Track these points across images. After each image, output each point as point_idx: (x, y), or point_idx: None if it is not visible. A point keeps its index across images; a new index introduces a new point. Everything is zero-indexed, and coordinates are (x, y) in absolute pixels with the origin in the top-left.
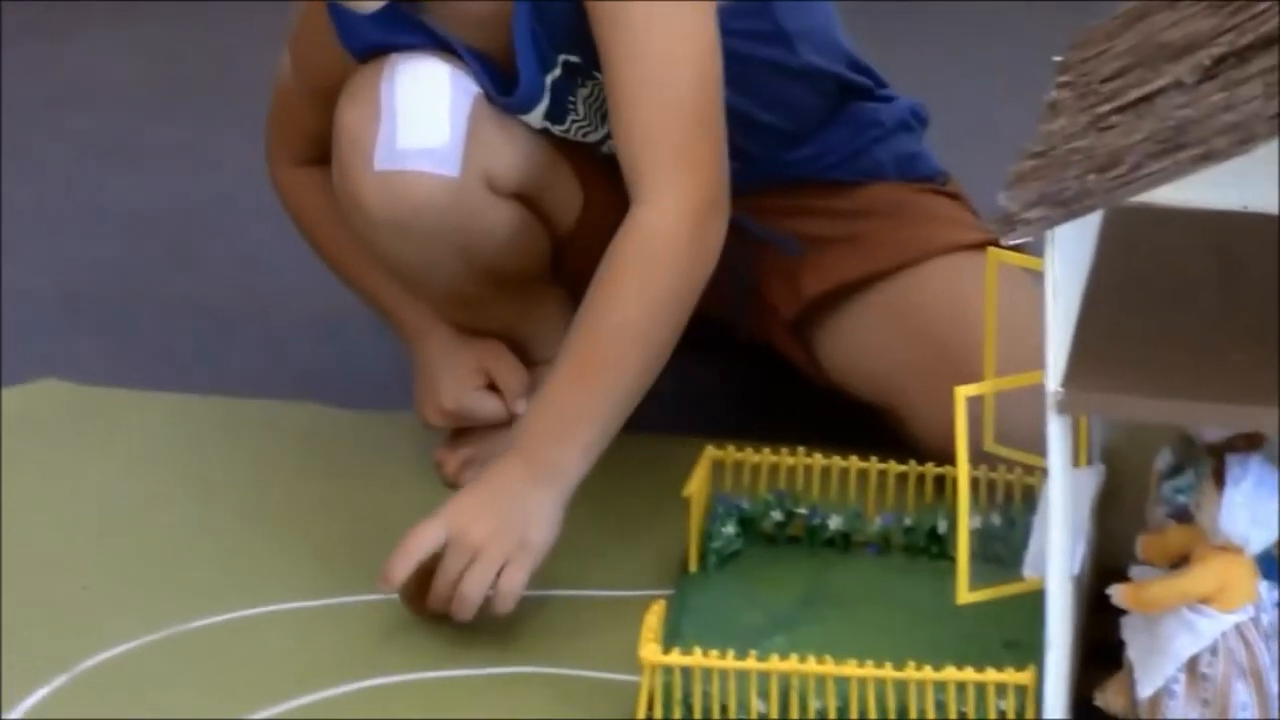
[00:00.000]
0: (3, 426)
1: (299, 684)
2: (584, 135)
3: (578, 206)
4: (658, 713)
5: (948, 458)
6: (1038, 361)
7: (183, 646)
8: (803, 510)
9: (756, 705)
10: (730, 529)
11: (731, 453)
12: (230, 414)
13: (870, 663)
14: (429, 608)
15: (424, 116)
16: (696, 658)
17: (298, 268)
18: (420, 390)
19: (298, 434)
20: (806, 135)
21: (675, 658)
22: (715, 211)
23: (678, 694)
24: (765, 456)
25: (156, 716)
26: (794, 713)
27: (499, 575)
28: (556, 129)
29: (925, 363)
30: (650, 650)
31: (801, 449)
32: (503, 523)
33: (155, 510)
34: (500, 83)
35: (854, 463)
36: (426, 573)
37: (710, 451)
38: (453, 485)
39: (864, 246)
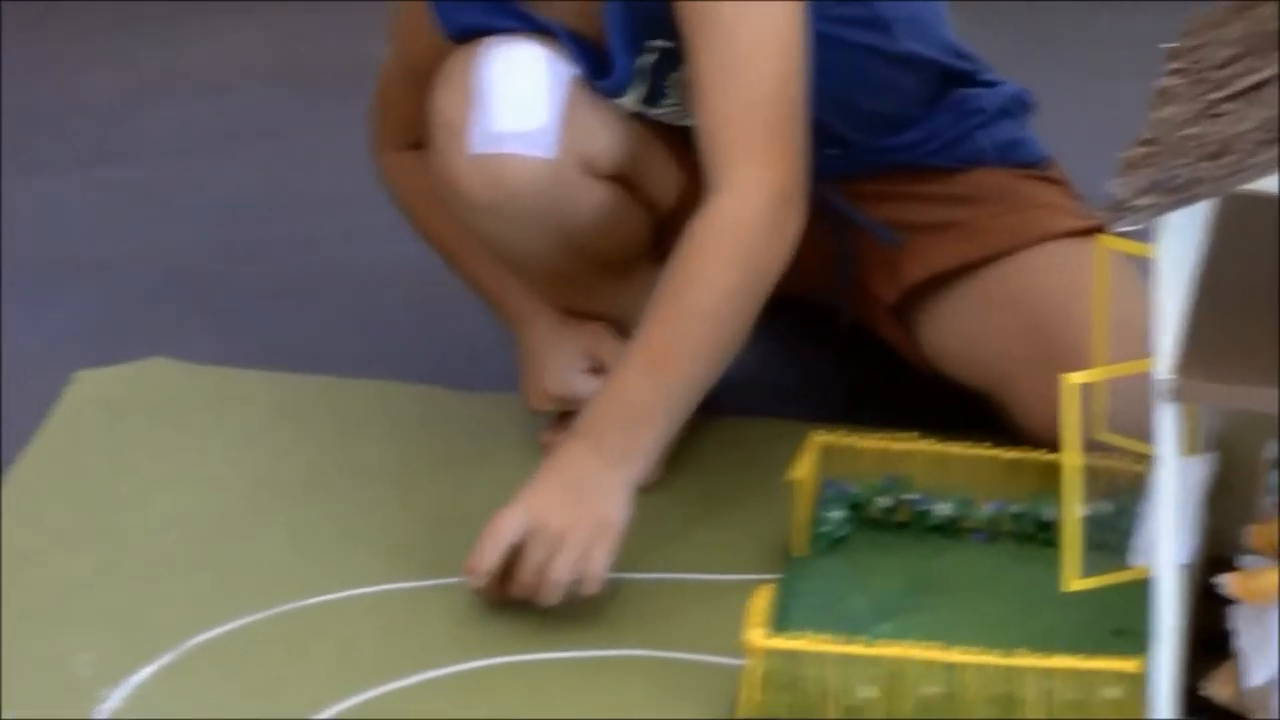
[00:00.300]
0: (112, 405)
1: (403, 664)
2: (679, 119)
3: (677, 187)
4: (764, 697)
5: (1051, 444)
6: (1144, 350)
7: (288, 625)
8: (911, 496)
9: (862, 691)
10: (838, 514)
11: (840, 437)
12: (335, 394)
13: (978, 650)
14: (512, 595)
15: (519, 99)
16: (802, 642)
17: (402, 248)
18: (525, 374)
19: (403, 415)
20: (907, 121)
21: (781, 642)
22: (792, 203)
23: (783, 679)
24: (874, 442)
25: (259, 694)
26: (900, 699)
27: (583, 560)
28: (652, 112)
29: (1028, 352)
30: (756, 635)
31: (911, 434)
32: (581, 507)
33: (261, 490)
34: (595, 67)
35: (963, 449)
36: (504, 561)
37: (818, 436)
38: None
39: (965, 233)
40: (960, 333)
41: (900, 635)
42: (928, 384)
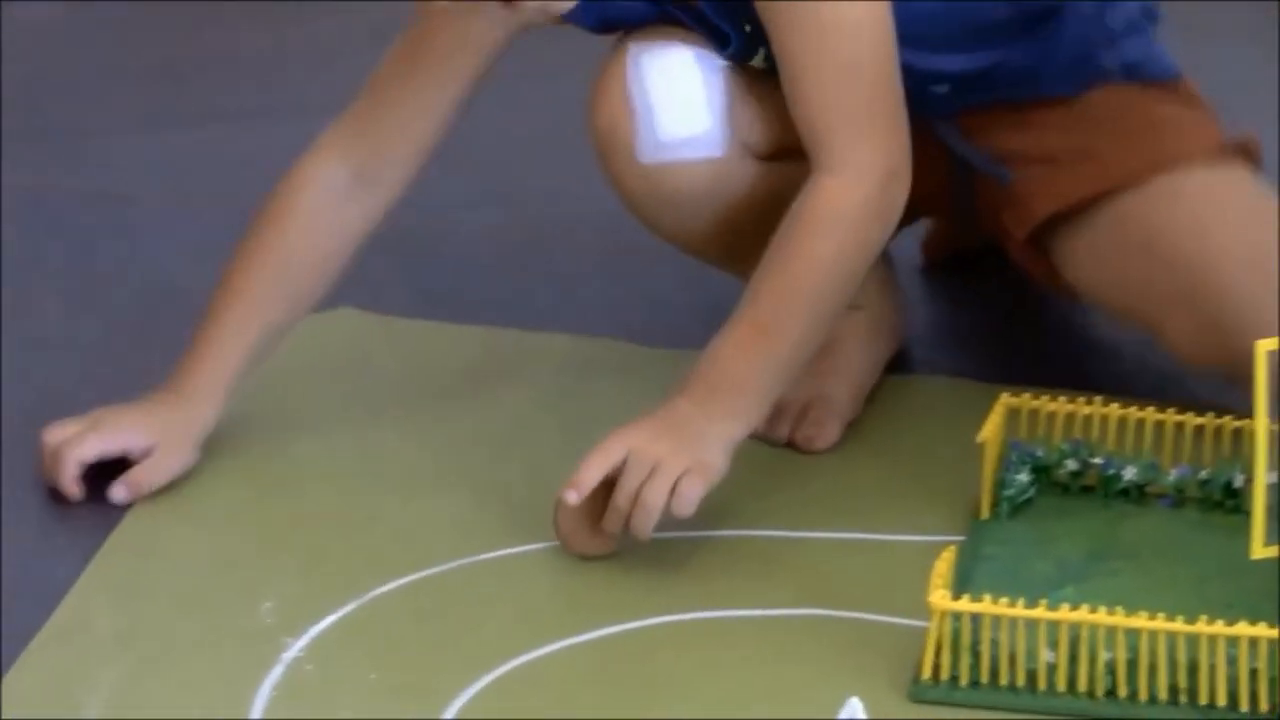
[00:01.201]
0: (298, 355)
1: (583, 619)
2: None
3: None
4: (945, 659)
5: (1203, 370)
6: None
7: (469, 579)
8: (1098, 460)
9: (1045, 655)
10: (1024, 477)
11: (1027, 400)
12: (524, 346)
13: (1161, 616)
14: (604, 528)
15: (682, 105)
16: (986, 605)
17: (597, 202)
18: None
19: (593, 368)
20: (1025, 29)
21: (964, 604)
22: (898, 178)
23: (966, 641)
24: (1061, 405)
25: (438, 646)
26: (1082, 664)
27: (676, 486)
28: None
29: (1171, 289)
30: (939, 596)
31: (1098, 398)
32: (680, 443)
33: (446, 442)
34: (714, 37)
35: (1150, 414)
36: (592, 510)
37: (1006, 398)
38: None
39: (1094, 162)
40: (1099, 267)
41: (1083, 600)
42: (1109, 346)
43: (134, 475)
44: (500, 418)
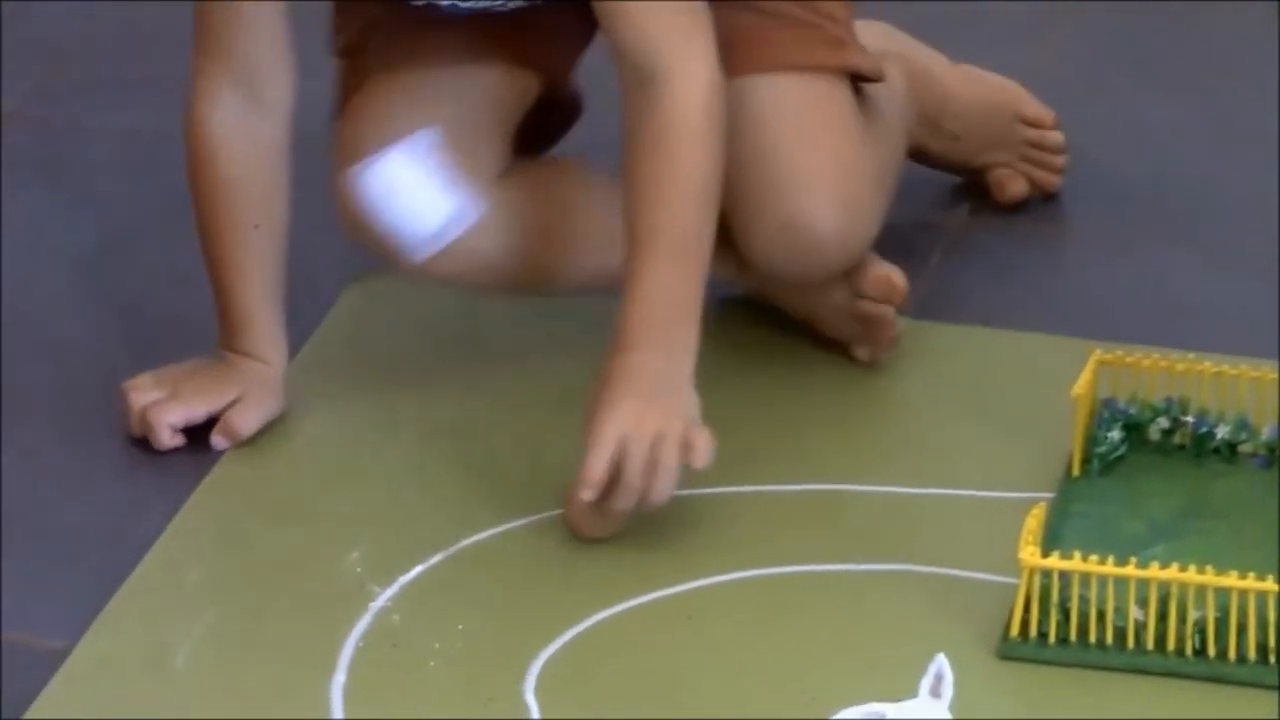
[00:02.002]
0: (391, 308)
1: (668, 573)
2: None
3: (534, 91)
4: (1034, 616)
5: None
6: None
7: (556, 532)
8: (1190, 418)
9: (1134, 612)
10: (1115, 434)
11: (1120, 356)
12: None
13: (1251, 575)
14: (617, 507)
15: (417, 210)
16: (1075, 562)
17: None
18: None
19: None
20: None
21: (1054, 561)
22: (719, 74)
23: (1055, 598)
24: (1155, 361)
25: (524, 598)
26: (1172, 622)
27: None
28: (464, 6)
29: (742, 183)
30: (1029, 553)
31: (1191, 355)
32: (665, 406)
33: (537, 398)
34: None
35: (1244, 371)
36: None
37: (1099, 354)
38: None
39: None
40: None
41: (1173, 559)
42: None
43: (229, 421)
44: (559, 382)
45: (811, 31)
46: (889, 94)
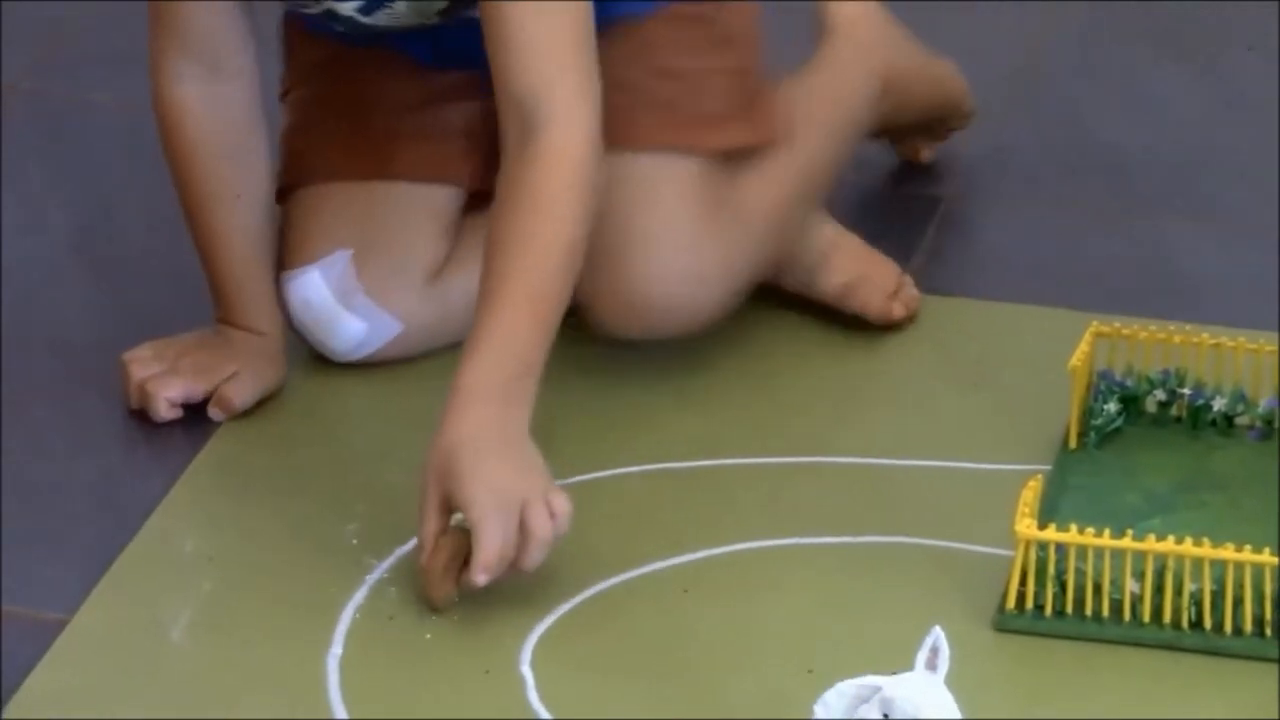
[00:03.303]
0: None
1: (685, 541)
2: (401, 19)
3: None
4: (1031, 589)
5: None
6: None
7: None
8: (1186, 391)
9: (1130, 585)
10: (1112, 407)
11: (1117, 328)
12: None
13: (1248, 548)
14: (477, 576)
15: (333, 328)
16: (1072, 534)
17: None
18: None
19: None
20: None
21: (1050, 534)
22: (600, 118)
23: (1051, 570)
24: (1151, 334)
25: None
26: (1168, 595)
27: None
28: (366, 20)
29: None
30: (1026, 525)
31: (1188, 327)
32: (521, 465)
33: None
34: None
35: (1242, 343)
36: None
37: (1096, 326)
38: None
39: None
40: None
41: (1169, 531)
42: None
43: (224, 394)
44: (555, 354)
45: (677, 114)
46: (786, 155)
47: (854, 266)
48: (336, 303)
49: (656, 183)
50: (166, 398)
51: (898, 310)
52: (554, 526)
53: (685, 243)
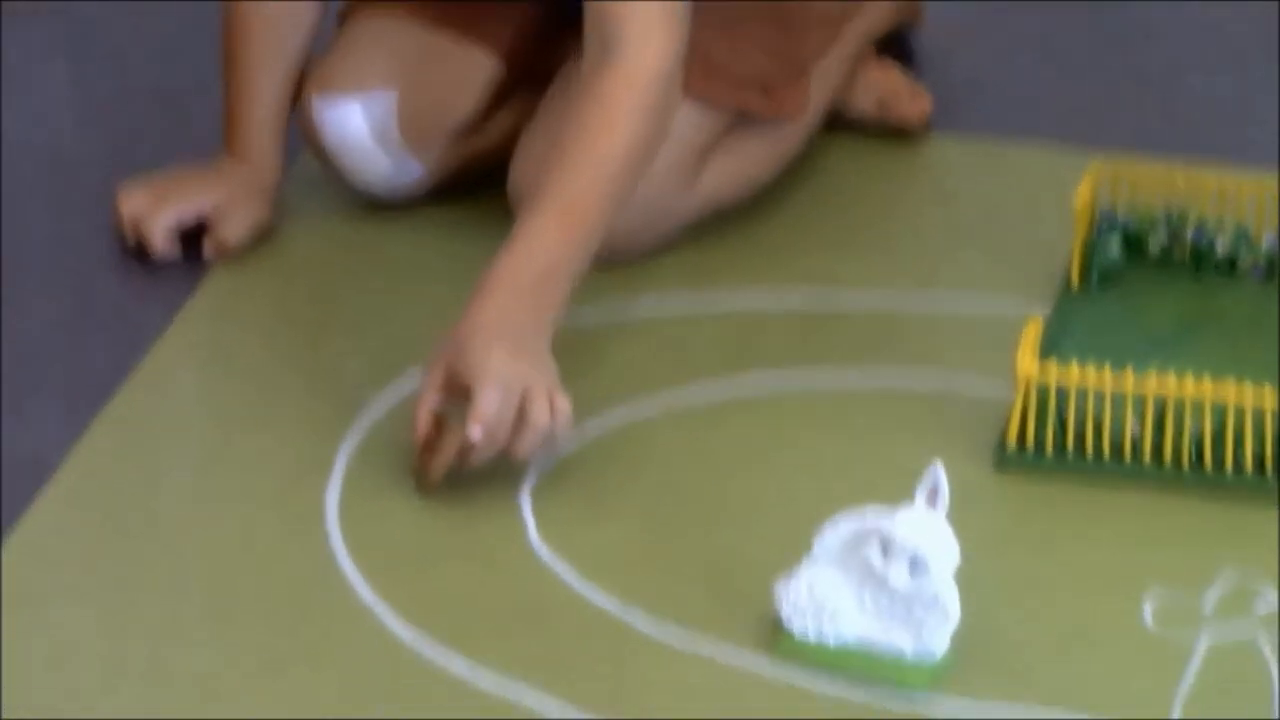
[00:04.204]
0: None
1: (673, 380)
2: None
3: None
4: (1032, 428)
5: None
6: None
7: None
8: (1189, 231)
9: (1131, 425)
10: (1114, 247)
11: (1121, 166)
12: None
13: (1250, 387)
14: (476, 459)
15: (362, 159)
16: (1073, 374)
17: None
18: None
19: None
20: None
21: (1052, 373)
22: (680, 64)
23: (1052, 410)
24: (1154, 173)
25: None
26: (1169, 434)
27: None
28: None
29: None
30: (1027, 365)
31: (1192, 165)
32: (534, 360)
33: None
34: None
35: (1245, 183)
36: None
37: (1098, 164)
38: None
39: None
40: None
41: (1171, 371)
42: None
43: (217, 233)
44: None
45: (709, 64)
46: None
47: (883, 80)
48: (371, 139)
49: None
50: (162, 226)
51: (925, 104)
52: (552, 423)
53: (655, 184)
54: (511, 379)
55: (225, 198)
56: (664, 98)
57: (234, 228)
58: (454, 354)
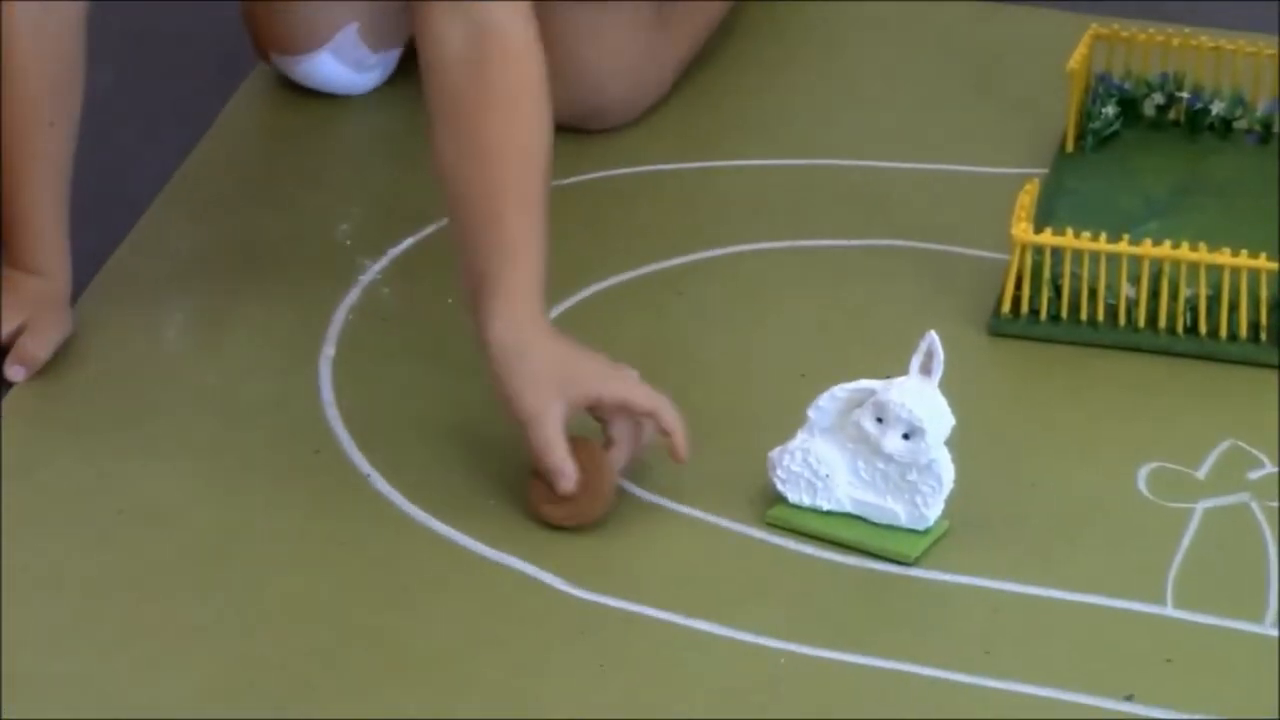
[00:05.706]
0: None
1: (671, 245)
2: None
3: None
4: (1026, 293)
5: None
6: None
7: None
8: (1185, 94)
9: (1126, 290)
10: (1110, 110)
11: (1117, 30)
12: None
13: (1244, 252)
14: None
15: (346, 88)
16: (1068, 238)
17: None
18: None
19: None
20: None
21: (1046, 238)
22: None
23: (1046, 274)
24: (1150, 36)
25: None
26: (1164, 299)
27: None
28: None
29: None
30: (1022, 229)
31: (1188, 30)
32: (593, 359)
33: None
34: None
35: (1242, 46)
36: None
37: (1095, 28)
38: None
39: None
40: None
41: (1166, 235)
42: None
43: (23, 351)
44: None
45: None
46: None
47: None
48: (352, 72)
49: (602, 24)
50: None
51: None
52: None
53: (625, 68)
54: (614, 366)
55: (28, 316)
56: (540, 57)
57: (43, 347)
58: (555, 383)
